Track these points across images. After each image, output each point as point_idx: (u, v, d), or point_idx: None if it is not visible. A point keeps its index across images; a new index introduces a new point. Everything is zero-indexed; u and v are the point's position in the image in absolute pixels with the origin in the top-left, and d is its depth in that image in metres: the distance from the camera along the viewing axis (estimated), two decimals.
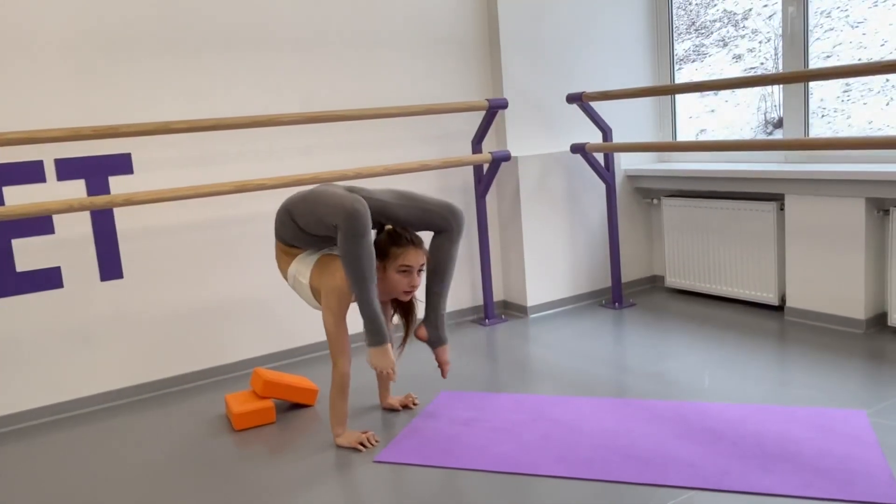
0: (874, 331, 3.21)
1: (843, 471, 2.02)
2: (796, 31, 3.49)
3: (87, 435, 2.80)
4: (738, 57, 4.00)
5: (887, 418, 2.33)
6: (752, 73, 3.90)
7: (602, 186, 4.00)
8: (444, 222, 2.49)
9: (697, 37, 4.18)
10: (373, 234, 2.54)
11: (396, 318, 2.67)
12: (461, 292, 3.93)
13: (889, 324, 3.14)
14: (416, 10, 3.64)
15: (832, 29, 3.49)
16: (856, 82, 3.45)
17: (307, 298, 2.53)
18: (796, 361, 2.92)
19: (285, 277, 2.59)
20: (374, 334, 2.38)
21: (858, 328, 3.22)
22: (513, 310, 4.02)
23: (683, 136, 4.27)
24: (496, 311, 4.00)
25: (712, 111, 4.15)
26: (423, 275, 2.49)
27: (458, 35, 3.77)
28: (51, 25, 2.89)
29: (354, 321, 2.46)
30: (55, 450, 2.68)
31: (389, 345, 2.42)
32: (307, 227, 2.40)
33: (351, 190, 2.46)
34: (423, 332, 2.62)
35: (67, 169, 2.96)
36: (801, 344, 3.12)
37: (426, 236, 2.50)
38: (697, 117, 4.22)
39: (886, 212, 3.12)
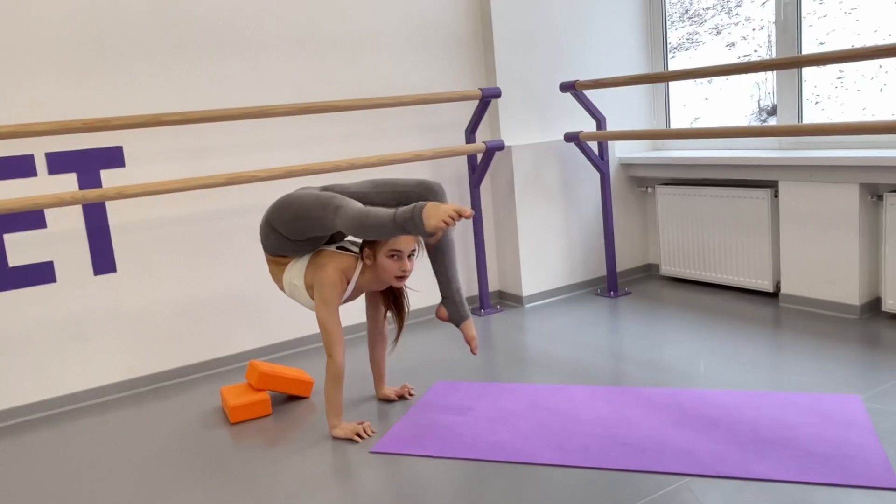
0: (868, 316, 3.22)
1: (839, 456, 2.02)
2: (789, 17, 3.49)
3: (81, 430, 2.79)
4: (731, 44, 3.99)
5: (882, 403, 2.34)
6: (745, 60, 3.89)
7: (596, 175, 3.99)
8: (421, 199, 2.46)
9: (691, 25, 4.17)
10: None
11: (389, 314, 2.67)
12: None
13: (883, 309, 3.15)
14: (407, 0, 3.62)
15: (825, 16, 3.48)
16: (849, 68, 3.44)
17: (306, 301, 2.52)
18: (791, 347, 2.93)
19: (282, 288, 2.58)
20: (411, 218, 2.16)
21: (853, 314, 3.22)
22: (508, 300, 4.02)
23: (677, 124, 4.26)
24: (491, 301, 3.99)
25: (706, 99, 4.14)
26: (415, 260, 2.48)
27: (450, 24, 3.75)
28: (41, 18, 2.87)
29: (348, 313, 2.46)
30: (50, 445, 2.67)
31: (428, 203, 2.18)
32: (292, 234, 2.41)
33: (327, 188, 2.47)
34: (443, 311, 2.60)
35: (58, 163, 2.94)
36: (796, 330, 3.13)
37: None
38: (691, 105, 4.21)
39: (880, 197, 3.12)
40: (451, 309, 2.59)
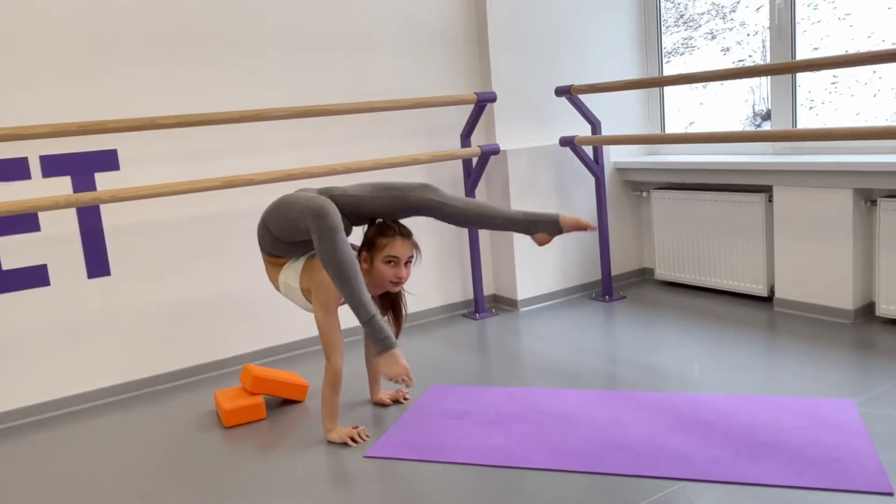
0: (862, 321, 3.23)
1: (833, 460, 2.03)
2: (784, 23, 3.50)
3: (75, 434, 2.78)
4: (726, 49, 4.01)
5: (875, 407, 2.34)
6: (740, 66, 3.91)
7: (591, 179, 4.00)
8: (419, 202, 2.45)
9: (686, 29, 4.18)
10: (358, 230, 2.54)
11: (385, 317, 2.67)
12: (451, 286, 3.93)
13: (877, 314, 3.16)
14: (403, 4, 3.62)
15: (819, 21, 3.50)
16: (843, 74, 3.46)
17: (300, 303, 2.53)
18: (785, 352, 2.94)
19: (277, 288, 2.59)
20: (378, 341, 2.28)
21: (847, 318, 3.23)
22: (503, 303, 4.02)
23: (672, 128, 4.28)
24: (486, 304, 3.99)
25: (701, 103, 4.15)
26: (411, 268, 2.48)
27: (446, 28, 3.76)
28: (36, 20, 2.86)
29: (347, 316, 2.45)
30: (43, 449, 2.66)
31: (397, 350, 2.30)
32: (282, 236, 2.42)
33: (325, 191, 2.47)
34: (540, 237, 2.46)
35: (53, 166, 2.93)
36: (790, 334, 3.13)
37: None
38: (686, 110, 4.23)
39: (874, 202, 3.13)
40: (540, 226, 2.45)
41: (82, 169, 2.98)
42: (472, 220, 2.49)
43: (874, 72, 3.36)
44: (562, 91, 3.74)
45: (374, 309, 2.27)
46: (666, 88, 4.24)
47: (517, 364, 3.11)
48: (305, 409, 2.80)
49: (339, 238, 2.26)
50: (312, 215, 2.27)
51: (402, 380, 2.30)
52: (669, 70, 4.24)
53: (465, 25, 3.81)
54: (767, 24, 3.62)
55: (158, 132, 3.04)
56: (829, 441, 2.13)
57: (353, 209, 2.45)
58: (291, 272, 2.50)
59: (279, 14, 3.33)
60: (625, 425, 2.37)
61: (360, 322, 2.27)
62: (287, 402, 2.86)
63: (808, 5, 3.51)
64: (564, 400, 2.63)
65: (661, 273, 4.09)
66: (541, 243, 2.48)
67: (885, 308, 3.12)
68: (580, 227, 2.44)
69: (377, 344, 2.28)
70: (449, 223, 2.51)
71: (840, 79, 3.48)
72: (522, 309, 3.91)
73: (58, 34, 2.91)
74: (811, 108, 3.58)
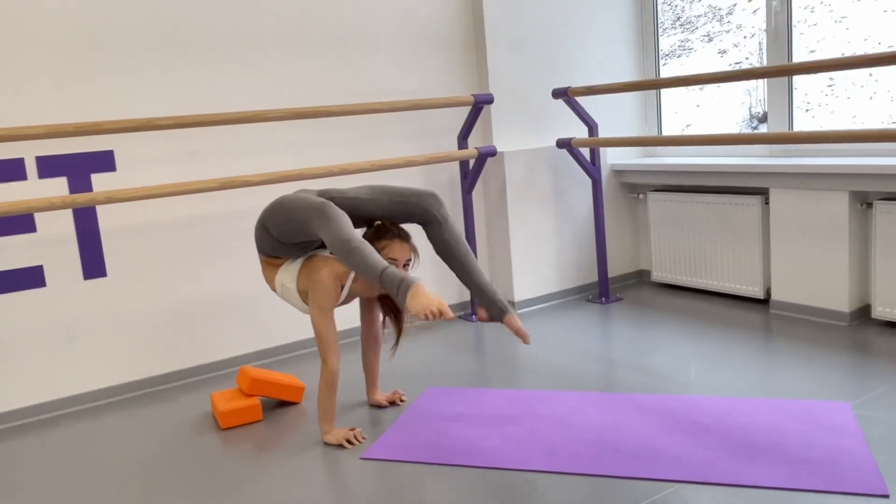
0: (858, 323, 3.23)
1: (829, 462, 2.03)
2: (780, 26, 3.51)
3: (71, 435, 2.77)
4: (723, 52, 4.02)
5: (871, 410, 2.35)
6: (736, 68, 3.92)
7: (588, 181, 4.00)
8: (418, 209, 2.46)
9: (682, 32, 4.19)
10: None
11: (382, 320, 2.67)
12: (448, 288, 3.92)
13: (873, 316, 3.17)
14: (401, 5, 3.63)
15: (816, 24, 3.51)
16: (840, 76, 3.47)
17: (297, 304, 2.52)
18: (781, 354, 2.94)
19: (273, 289, 2.58)
20: (398, 287, 2.16)
21: (843, 321, 3.24)
22: None
23: (669, 131, 4.28)
24: None
25: (697, 106, 4.16)
26: (410, 269, 2.48)
27: (443, 30, 3.76)
28: (33, 20, 2.86)
29: (343, 318, 2.45)
30: (40, 450, 2.65)
31: (420, 282, 2.16)
32: (282, 237, 2.42)
33: (324, 193, 2.47)
34: (483, 312, 2.51)
35: (49, 166, 2.93)
36: (786, 337, 3.14)
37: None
38: (683, 112, 4.23)
39: (870, 205, 3.14)
40: (490, 308, 2.49)
41: (78, 170, 2.98)
42: (451, 253, 2.49)
43: (870, 74, 3.37)
44: (559, 93, 3.75)
45: (383, 263, 2.21)
46: (663, 91, 4.24)
47: (514, 366, 3.11)
48: (302, 410, 2.80)
49: (344, 222, 2.26)
50: (317, 212, 2.28)
51: (437, 311, 2.13)
52: (666, 72, 4.25)
53: (462, 27, 3.81)
54: (764, 26, 3.63)
55: (155, 133, 3.04)
56: (825, 443, 2.14)
57: (353, 211, 2.45)
58: (289, 273, 2.50)
59: (277, 15, 3.33)
60: (621, 427, 2.37)
61: (375, 280, 2.20)
62: (283, 404, 2.86)
63: (805, 8, 3.51)
64: (561, 402, 2.63)
65: (658, 275, 4.10)
66: (480, 318, 2.54)
67: (881, 310, 3.12)
68: (518, 335, 2.45)
69: (400, 290, 2.16)
70: (430, 241, 2.50)
71: (836, 81, 3.49)
72: (519, 311, 3.91)
73: (54, 34, 2.90)
74: (807, 110, 3.59)
